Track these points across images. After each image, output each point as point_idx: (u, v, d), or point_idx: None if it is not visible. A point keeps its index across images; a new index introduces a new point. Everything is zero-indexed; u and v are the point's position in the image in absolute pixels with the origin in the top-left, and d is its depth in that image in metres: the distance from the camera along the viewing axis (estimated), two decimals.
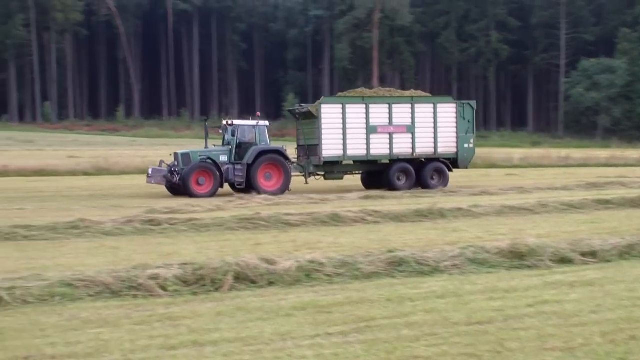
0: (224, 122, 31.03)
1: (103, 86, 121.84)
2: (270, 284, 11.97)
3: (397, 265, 13.02)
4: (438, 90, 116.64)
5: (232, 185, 29.80)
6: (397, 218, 20.66)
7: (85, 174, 41.93)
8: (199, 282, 11.80)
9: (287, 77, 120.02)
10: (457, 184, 32.61)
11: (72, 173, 42.05)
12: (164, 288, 11.49)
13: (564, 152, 58.22)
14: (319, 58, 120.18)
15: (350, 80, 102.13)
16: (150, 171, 29.62)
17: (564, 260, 13.71)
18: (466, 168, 33.25)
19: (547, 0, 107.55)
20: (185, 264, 12.46)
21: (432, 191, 29.70)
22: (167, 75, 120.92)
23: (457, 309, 10.35)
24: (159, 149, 59.50)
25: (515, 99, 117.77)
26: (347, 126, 30.59)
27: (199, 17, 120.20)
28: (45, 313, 10.31)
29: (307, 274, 12.38)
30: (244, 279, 11.97)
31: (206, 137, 30.91)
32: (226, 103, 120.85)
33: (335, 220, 20.04)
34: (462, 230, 18.34)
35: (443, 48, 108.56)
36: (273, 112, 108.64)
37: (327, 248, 15.37)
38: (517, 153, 55.12)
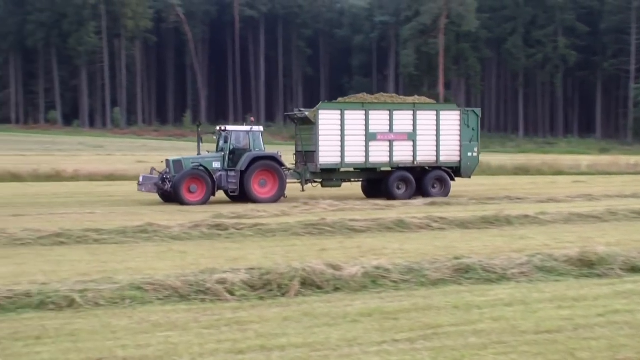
0: (218, 127, 30.46)
1: (171, 92, 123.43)
2: (336, 289, 12.00)
3: (463, 272, 12.95)
4: (504, 96, 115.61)
5: (226, 193, 28.97)
6: (463, 225, 20.51)
7: None
8: (266, 287, 11.88)
9: (352, 82, 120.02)
10: (523, 191, 32.24)
11: None
12: (231, 292, 11.60)
13: (633, 159, 57.11)
14: (384, 64, 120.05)
15: (415, 87, 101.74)
16: (141, 178, 28.68)
17: (635, 270, 13.48)
18: (469, 177, 32.14)
19: (617, 5, 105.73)
20: (252, 268, 12.56)
21: (497, 198, 29.15)
22: (234, 80, 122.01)
23: (525, 317, 10.25)
24: None
25: (582, 105, 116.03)
26: (346, 133, 29.70)
27: (265, 23, 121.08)
28: (116, 315, 10.49)
29: (373, 280, 12.38)
30: (310, 284, 12.03)
31: (199, 143, 29.76)
32: (291, 108, 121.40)
33: (401, 226, 19.99)
34: (529, 238, 18.13)
35: (509, 54, 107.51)
36: None
37: (393, 254, 15.34)
38: (585, 160, 54.26)
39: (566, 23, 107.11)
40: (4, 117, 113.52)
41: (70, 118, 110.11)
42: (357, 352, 8.72)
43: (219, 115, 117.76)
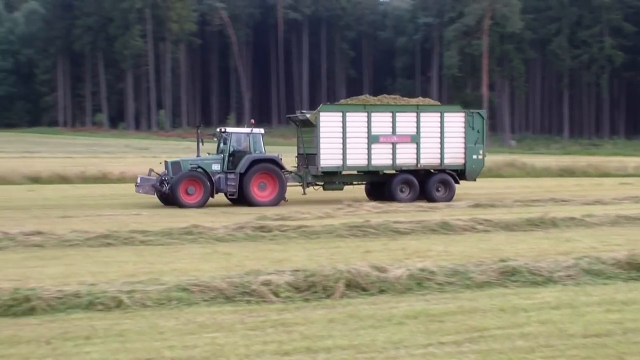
0: (218, 129, 30.12)
1: (215, 94, 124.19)
2: (381, 291, 12.00)
3: (509, 275, 12.87)
4: (549, 98, 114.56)
5: (226, 196, 28.65)
6: (508, 227, 20.38)
7: None
8: (311, 288, 11.91)
9: (395, 84, 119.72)
10: (568, 193, 31.94)
11: None
12: (276, 294, 11.65)
13: None
14: (428, 66, 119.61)
15: (459, 88, 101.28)
16: (138, 180, 28.35)
17: None
18: (474, 180, 31.52)
19: None
20: (296, 270, 12.60)
21: (542, 200, 28.93)
22: (277, 83, 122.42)
23: (572, 320, 10.15)
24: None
25: (629, 106, 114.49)
26: (347, 135, 29.24)
27: (308, 25, 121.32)
28: (163, 316, 10.59)
29: (418, 282, 12.36)
30: (355, 286, 12.03)
31: (198, 145, 29.43)
32: None
33: (445, 228, 19.91)
34: (576, 240, 17.96)
35: (554, 55, 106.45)
36: None
37: (438, 256, 15.29)
38: (632, 162, 53.56)
39: (612, 23, 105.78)
40: (52, 120, 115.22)
41: (116, 121, 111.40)
42: (403, 355, 8.71)
43: (262, 117, 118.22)
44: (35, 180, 38.71)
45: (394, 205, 26.66)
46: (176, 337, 9.59)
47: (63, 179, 39.47)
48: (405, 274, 12.45)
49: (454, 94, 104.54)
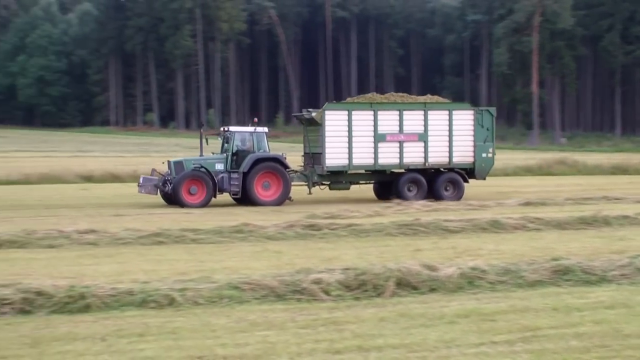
0: (222, 128, 29.80)
1: (263, 93, 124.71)
2: (432, 290, 11.97)
3: (562, 274, 12.75)
4: (600, 95, 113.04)
5: (230, 195, 28.23)
6: (560, 225, 20.17)
7: None
8: (361, 287, 11.92)
9: (444, 82, 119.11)
10: (621, 191, 31.48)
11: None
12: (327, 292, 11.68)
13: None
14: (477, 63, 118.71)
15: (508, 86, 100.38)
16: (141, 180, 27.99)
17: None
18: (484, 179, 30.79)
19: None
20: (347, 269, 12.61)
21: (594, 198, 28.52)
22: (325, 81, 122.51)
23: (628, 320, 10.02)
24: None
25: None
26: (353, 134, 28.78)
27: (356, 23, 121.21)
28: (214, 314, 10.68)
29: (469, 281, 12.31)
30: (406, 285, 12.02)
31: (201, 145, 29.08)
32: None
33: (496, 226, 19.78)
34: (630, 239, 17.71)
35: (606, 51, 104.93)
36: None
37: (489, 255, 15.21)
38: None
39: None
40: (104, 120, 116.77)
41: (167, 120, 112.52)
42: (455, 354, 8.68)
43: None
44: (88, 179, 39.20)
45: (443, 204, 26.53)
46: (228, 335, 9.66)
47: (115, 178, 39.91)
48: (457, 273, 12.41)
49: (503, 91, 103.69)
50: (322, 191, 30.10)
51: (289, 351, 8.92)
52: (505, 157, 55.39)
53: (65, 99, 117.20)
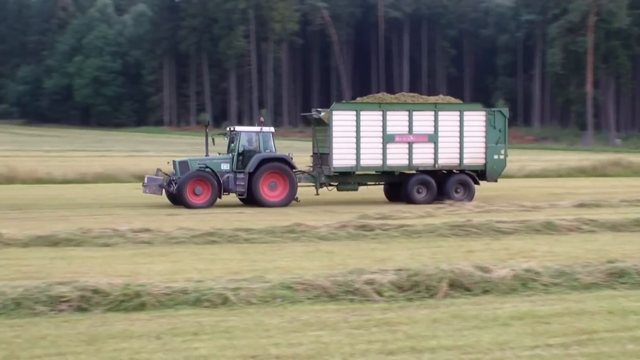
0: (227, 128, 29.34)
1: (315, 93, 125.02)
2: (485, 292, 11.91)
3: (617, 277, 12.61)
4: None
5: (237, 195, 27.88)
6: (615, 227, 19.91)
7: None
8: (414, 288, 11.90)
9: (497, 83, 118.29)
10: None
11: None
12: (379, 293, 11.68)
13: None
14: (530, 63, 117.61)
15: (562, 86, 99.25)
16: (146, 180, 27.63)
17: None
18: (495, 181, 30.18)
19: None
20: (399, 269, 12.58)
21: None
22: (377, 81, 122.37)
23: None
24: None
25: None
26: (361, 134, 28.09)
27: (409, 24, 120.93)
28: (267, 314, 10.74)
29: (523, 283, 12.22)
30: (459, 286, 11.97)
31: (206, 144, 28.58)
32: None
33: (549, 228, 19.59)
34: None
35: None
36: None
37: (542, 257, 15.07)
38: None
39: None
40: (158, 119, 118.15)
41: (220, 120, 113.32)
42: (510, 356, 8.62)
43: None
44: (142, 178, 39.51)
45: (495, 205, 26.32)
46: (281, 334, 9.71)
47: None
48: (510, 275, 12.32)
49: (557, 92, 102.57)
50: (372, 192, 30.04)
51: (342, 352, 8.94)
52: (558, 158, 54.84)
53: (120, 99, 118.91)
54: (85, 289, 11.22)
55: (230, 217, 23.52)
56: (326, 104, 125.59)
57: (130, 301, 11.06)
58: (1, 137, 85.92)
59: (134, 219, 22.29)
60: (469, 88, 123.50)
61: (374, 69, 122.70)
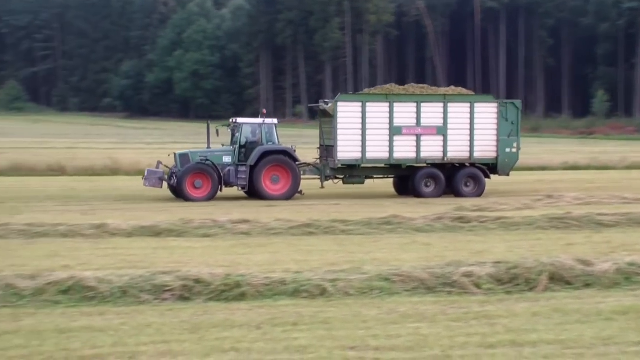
0: (230, 120, 28.48)
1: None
2: (587, 285, 11.73)
3: None
4: None
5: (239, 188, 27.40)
6: None
7: None
8: (513, 281, 11.80)
9: (596, 73, 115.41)
10: None
11: None
12: (477, 286, 11.61)
13: None
14: (632, 52, 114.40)
15: None
16: (146, 172, 26.96)
17: None
18: (507, 175, 29.01)
19: None
20: (498, 262, 12.49)
21: None
22: (473, 73, 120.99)
23: None
24: None
25: None
26: (367, 127, 27.49)
27: (506, 14, 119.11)
28: (365, 305, 10.79)
29: (627, 277, 11.99)
30: (559, 279, 11.82)
31: (208, 136, 27.90)
32: (532, 100, 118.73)
33: None
34: None
35: None
36: (580, 110, 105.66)
37: None
38: None
39: None
40: (255, 112, 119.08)
41: (315, 113, 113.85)
42: (614, 352, 8.47)
43: None
44: None
45: (596, 197, 25.74)
46: (379, 326, 9.75)
47: None
48: (613, 268, 12.10)
49: None
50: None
51: (441, 344, 8.93)
52: None
53: (218, 92, 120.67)
54: (187, 278, 11.49)
55: (327, 208, 23.67)
56: None
57: (231, 291, 11.26)
58: (105, 130, 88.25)
59: (233, 210, 22.68)
60: (566, 78, 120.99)
61: (470, 60, 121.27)
